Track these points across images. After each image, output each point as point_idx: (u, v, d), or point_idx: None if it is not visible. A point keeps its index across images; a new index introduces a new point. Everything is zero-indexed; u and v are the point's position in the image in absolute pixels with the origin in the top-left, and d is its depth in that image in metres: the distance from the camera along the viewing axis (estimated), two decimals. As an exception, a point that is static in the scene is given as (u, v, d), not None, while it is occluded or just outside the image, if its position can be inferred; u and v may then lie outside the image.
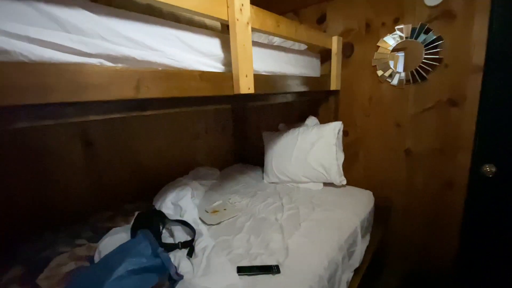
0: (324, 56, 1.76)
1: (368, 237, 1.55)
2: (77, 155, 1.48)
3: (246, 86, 1.01)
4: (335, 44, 1.67)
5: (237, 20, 0.92)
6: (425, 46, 1.47)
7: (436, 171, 1.57)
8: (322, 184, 1.79)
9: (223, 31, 1.07)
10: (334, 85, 1.75)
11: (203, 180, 1.83)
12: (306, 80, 1.53)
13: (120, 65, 0.72)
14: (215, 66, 1.00)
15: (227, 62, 1.02)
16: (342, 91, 1.85)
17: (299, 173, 1.80)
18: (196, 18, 1.03)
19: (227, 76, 0.98)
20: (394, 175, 1.73)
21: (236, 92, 1.00)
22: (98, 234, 1.23)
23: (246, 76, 1.00)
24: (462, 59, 1.38)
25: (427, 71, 1.49)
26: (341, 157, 1.78)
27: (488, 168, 1.40)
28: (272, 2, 2.05)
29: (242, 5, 0.94)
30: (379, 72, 1.67)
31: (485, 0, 1.27)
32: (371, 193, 1.73)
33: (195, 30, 0.93)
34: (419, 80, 1.52)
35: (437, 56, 1.44)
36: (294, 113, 2.16)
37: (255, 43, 1.15)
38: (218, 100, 1.03)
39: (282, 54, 1.38)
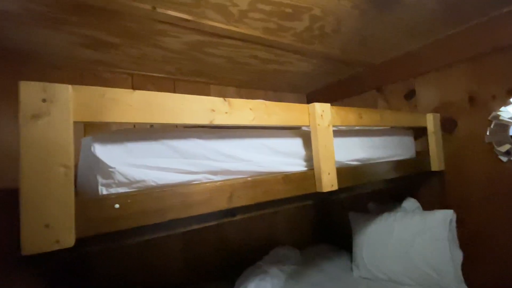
0: (419, 131, 1.59)
1: None
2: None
3: (329, 183, 0.99)
4: (431, 122, 1.50)
5: (318, 125, 0.98)
6: None
7: None
8: (434, 291, 1.39)
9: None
10: (435, 165, 1.50)
11: (283, 264, 1.74)
12: (398, 164, 1.39)
13: (218, 177, 0.85)
14: (297, 163, 1.05)
15: (309, 158, 1.05)
16: (448, 171, 1.55)
17: (399, 271, 1.47)
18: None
19: (309, 175, 1.00)
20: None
21: (318, 190, 0.99)
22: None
23: (329, 174, 0.99)
24: None
25: None
26: (459, 256, 1.38)
27: None
28: (351, 82, 2.15)
29: (323, 111, 1.00)
30: (497, 151, 1.35)
31: None
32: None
33: (279, 134, 1.03)
34: None
35: None
36: (387, 191, 1.92)
37: (336, 133, 1.17)
38: (301, 199, 1.04)
39: (366, 139, 1.33)
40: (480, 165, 1.43)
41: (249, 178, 0.87)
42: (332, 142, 1.02)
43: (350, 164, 1.22)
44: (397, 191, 1.81)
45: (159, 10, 1.08)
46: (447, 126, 1.55)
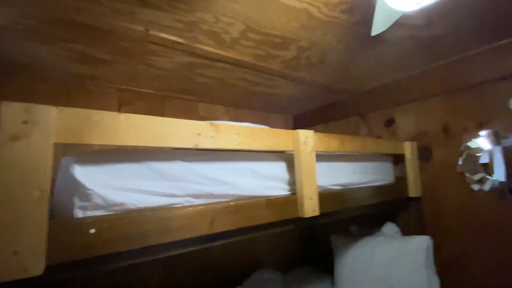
0: (398, 158, 1.66)
1: None
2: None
3: (311, 209, 1.01)
4: (408, 150, 1.58)
5: (302, 151, 1.01)
6: (531, 154, 1.23)
7: None
8: (413, 319, 1.39)
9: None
10: (413, 192, 1.56)
11: (265, 289, 1.70)
12: (378, 189, 1.43)
13: (200, 200, 0.85)
14: (281, 187, 1.06)
15: (292, 182, 1.07)
16: (425, 197, 1.62)
17: (379, 298, 1.47)
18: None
19: (292, 199, 1.01)
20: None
21: (301, 215, 1.00)
22: None
23: (311, 199, 1.01)
24: None
25: (544, 184, 1.19)
26: (436, 284, 1.40)
27: None
28: (336, 107, 2.24)
29: (307, 137, 1.04)
30: (469, 180, 1.43)
31: None
32: None
33: (264, 157, 1.05)
34: (534, 194, 1.22)
35: (555, 167, 1.17)
36: (368, 215, 1.95)
37: (320, 158, 1.20)
38: (283, 224, 1.04)
39: (348, 164, 1.37)
40: (454, 193, 1.50)
41: (231, 203, 0.87)
42: (314, 168, 1.05)
43: (333, 188, 1.24)
44: (378, 215, 1.85)
45: (152, 32, 1.11)
46: (424, 154, 1.63)
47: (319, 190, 1.12)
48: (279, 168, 1.08)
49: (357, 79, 1.76)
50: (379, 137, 1.91)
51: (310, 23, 1.08)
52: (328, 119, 2.34)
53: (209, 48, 1.26)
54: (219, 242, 0.87)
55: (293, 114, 2.70)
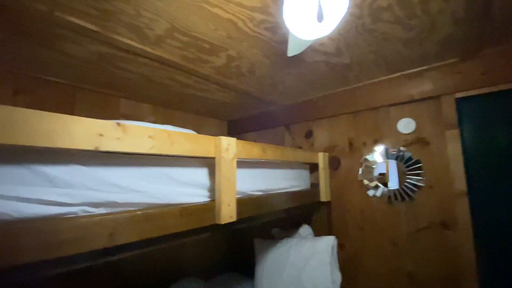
0: (313, 166, 1.86)
1: None
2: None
3: (228, 215, 1.02)
4: (321, 160, 1.78)
5: (223, 157, 1.02)
6: (407, 167, 1.55)
7: (446, 303, 1.38)
8: (318, 311, 1.56)
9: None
10: (324, 197, 1.77)
11: (184, 299, 1.63)
12: (295, 194, 1.56)
13: (101, 210, 0.76)
14: (201, 194, 1.04)
15: (213, 188, 1.07)
16: (334, 201, 1.86)
17: (292, 296, 1.59)
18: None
19: (210, 206, 1.01)
20: (400, 303, 1.52)
21: (217, 222, 1.00)
22: None
23: (229, 205, 1.03)
24: (444, 182, 1.43)
25: (412, 191, 1.52)
26: (338, 277, 1.61)
27: (504, 307, 1.23)
28: (266, 117, 2.36)
29: (229, 144, 1.06)
30: (366, 186, 1.71)
31: (454, 132, 1.41)
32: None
33: (184, 163, 1.02)
34: (407, 199, 1.54)
35: (420, 177, 1.50)
36: (288, 218, 2.11)
37: (242, 164, 1.24)
38: (198, 232, 1.02)
39: (269, 171, 1.46)
40: (355, 198, 1.77)
41: (138, 212, 0.80)
42: (235, 175, 1.07)
43: (253, 194, 1.29)
44: (297, 217, 2.02)
45: (57, 14, 0.96)
46: (334, 164, 1.88)
47: (239, 196, 1.15)
48: (200, 175, 1.06)
49: (283, 93, 1.90)
50: (300, 147, 2.10)
51: (237, 35, 1.12)
52: (259, 127, 2.44)
53: (131, 42, 1.16)
54: (123, 255, 0.79)
55: (227, 119, 2.73)
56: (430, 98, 1.50)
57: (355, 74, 1.60)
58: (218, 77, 1.58)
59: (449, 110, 1.42)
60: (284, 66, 1.44)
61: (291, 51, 0.95)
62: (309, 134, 2.06)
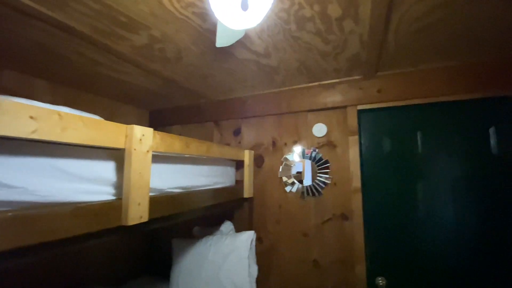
0: (239, 163, 1.88)
1: None
2: None
3: (137, 215, 0.91)
4: (247, 157, 1.82)
5: (135, 149, 0.90)
6: (318, 166, 1.75)
7: (342, 283, 1.62)
8: (234, 306, 1.58)
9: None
10: (247, 193, 1.81)
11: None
12: (218, 191, 1.54)
13: None
14: (102, 191, 0.89)
15: (121, 185, 0.93)
16: (256, 198, 1.93)
17: (209, 294, 1.57)
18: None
19: (115, 205, 0.87)
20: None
21: (124, 223, 0.88)
22: None
23: (139, 204, 0.92)
24: (345, 180, 1.67)
25: (321, 187, 1.72)
26: (255, 271, 1.68)
27: (381, 281, 1.52)
28: (195, 110, 2.26)
29: (144, 135, 0.94)
30: (284, 183, 1.85)
31: (355, 138, 1.67)
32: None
33: (82, 154, 0.85)
34: (317, 194, 1.73)
35: (328, 176, 1.72)
36: (211, 215, 2.07)
37: (161, 159, 1.13)
38: (101, 235, 0.88)
39: (192, 167, 1.39)
40: (275, 194, 1.88)
41: (9, 214, 0.62)
42: (149, 170, 0.97)
43: (171, 192, 1.20)
44: (220, 215, 2.00)
45: None
46: (258, 161, 1.95)
47: (153, 194, 1.04)
48: (104, 168, 0.91)
49: (213, 87, 1.85)
50: (228, 144, 2.10)
51: (161, 13, 1.01)
52: (187, 121, 2.32)
53: (17, -4, 0.90)
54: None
55: (150, 109, 2.48)
56: (339, 107, 1.73)
57: (281, 79, 1.70)
58: (139, 59, 1.41)
59: (352, 119, 1.67)
60: (214, 58, 1.39)
61: (220, 41, 0.92)
62: (237, 132, 2.07)
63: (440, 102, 1.49)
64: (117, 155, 0.94)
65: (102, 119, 0.87)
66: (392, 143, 1.60)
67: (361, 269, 1.57)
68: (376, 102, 1.62)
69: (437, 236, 1.44)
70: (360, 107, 1.67)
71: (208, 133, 2.20)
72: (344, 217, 1.66)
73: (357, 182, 1.63)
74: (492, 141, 1.39)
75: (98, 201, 0.85)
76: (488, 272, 1.34)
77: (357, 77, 1.66)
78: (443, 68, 1.47)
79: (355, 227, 1.61)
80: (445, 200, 1.45)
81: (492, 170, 1.37)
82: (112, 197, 0.92)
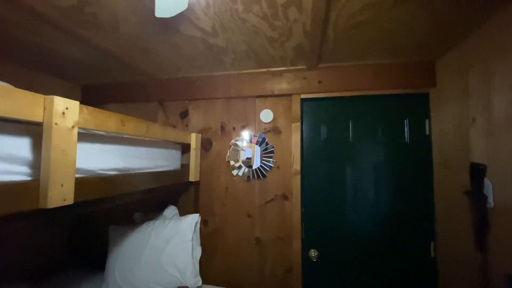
0: (186, 147, 1.83)
1: None
2: None
3: (60, 197, 0.82)
4: (193, 140, 1.78)
5: (56, 124, 0.80)
6: (264, 151, 1.82)
7: (280, 258, 1.76)
8: (176, 289, 1.58)
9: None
10: (192, 177, 1.78)
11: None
12: (161, 175, 1.48)
13: None
14: (14, 171, 0.77)
15: (39, 164, 0.82)
16: (202, 181, 1.92)
17: (149, 279, 1.53)
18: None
19: (30, 187, 0.77)
20: (248, 265, 1.80)
21: (42, 206, 0.78)
22: None
23: (62, 185, 0.83)
24: (288, 163, 1.79)
25: (266, 170, 1.81)
26: (199, 252, 1.69)
27: (313, 253, 1.70)
28: (136, 88, 2.09)
29: (67, 108, 0.84)
30: (231, 167, 1.88)
31: (297, 124, 1.78)
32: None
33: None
34: (261, 177, 1.82)
35: (272, 159, 1.81)
36: (154, 200, 1.99)
37: (91, 138, 1.03)
38: (12, 218, 0.76)
39: (131, 148, 1.30)
40: (222, 178, 1.90)
41: None
42: (75, 149, 0.87)
43: (105, 173, 1.11)
44: (163, 200, 1.94)
45: None
46: (206, 145, 1.93)
47: (80, 175, 0.95)
48: (19, 145, 0.78)
49: (157, 64, 1.73)
50: (175, 126, 2.01)
51: (91, -28, 0.88)
52: (127, 99, 2.13)
53: None
54: None
55: (81, 84, 2.19)
56: (285, 95, 1.81)
57: (230, 61, 1.68)
58: (66, 23, 1.22)
59: (296, 107, 1.78)
60: (156, 31, 1.29)
61: (159, 11, 0.85)
62: (184, 114, 1.99)
63: (368, 95, 1.69)
64: (36, 131, 0.82)
65: (12, 86, 0.74)
66: (328, 130, 1.76)
67: (297, 244, 1.73)
68: (317, 92, 1.75)
69: (360, 211, 1.67)
70: (303, 95, 1.78)
71: (151, 114, 2.07)
72: (285, 197, 1.78)
73: (297, 165, 1.75)
74: (406, 130, 1.65)
75: (10, 181, 0.73)
76: (399, 236, 1.62)
77: (301, 67, 1.75)
78: (371, 65, 1.66)
79: (294, 206, 1.75)
80: (368, 180, 1.68)
81: (404, 156, 1.64)
82: (28, 178, 0.80)
